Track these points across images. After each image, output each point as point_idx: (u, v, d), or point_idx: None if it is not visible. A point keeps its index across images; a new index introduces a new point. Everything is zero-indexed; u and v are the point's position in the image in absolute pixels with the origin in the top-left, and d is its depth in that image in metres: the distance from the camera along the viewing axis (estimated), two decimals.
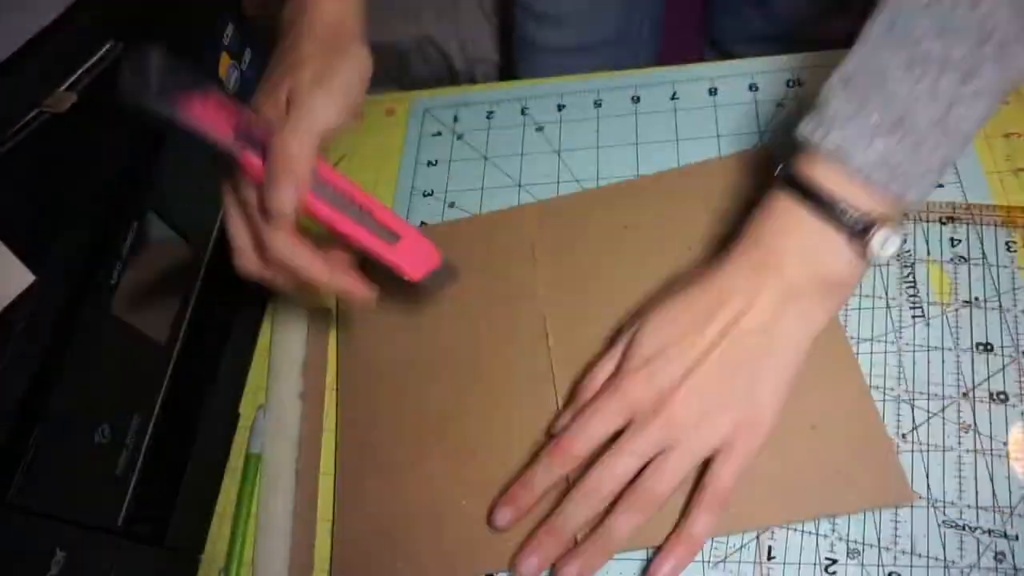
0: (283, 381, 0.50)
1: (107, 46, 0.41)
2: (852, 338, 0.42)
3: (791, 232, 0.36)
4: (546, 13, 0.70)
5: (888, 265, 0.44)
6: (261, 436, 0.48)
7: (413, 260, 0.40)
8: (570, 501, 0.37)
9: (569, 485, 0.38)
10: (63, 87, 0.39)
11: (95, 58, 0.41)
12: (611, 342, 0.41)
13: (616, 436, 0.37)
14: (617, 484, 0.36)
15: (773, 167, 0.37)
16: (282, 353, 0.51)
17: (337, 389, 0.49)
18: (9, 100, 0.38)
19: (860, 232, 0.34)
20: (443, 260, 0.41)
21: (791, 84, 0.53)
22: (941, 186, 0.46)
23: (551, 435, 0.41)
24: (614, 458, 0.36)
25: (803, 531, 0.38)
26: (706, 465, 0.37)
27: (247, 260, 0.39)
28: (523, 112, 0.58)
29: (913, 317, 0.42)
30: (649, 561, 0.37)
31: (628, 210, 0.49)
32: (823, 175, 0.35)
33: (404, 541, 0.42)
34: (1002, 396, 0.39)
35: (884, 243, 0.34)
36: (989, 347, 0.40)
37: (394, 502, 0.43)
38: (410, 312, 0.49)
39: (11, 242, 0.34)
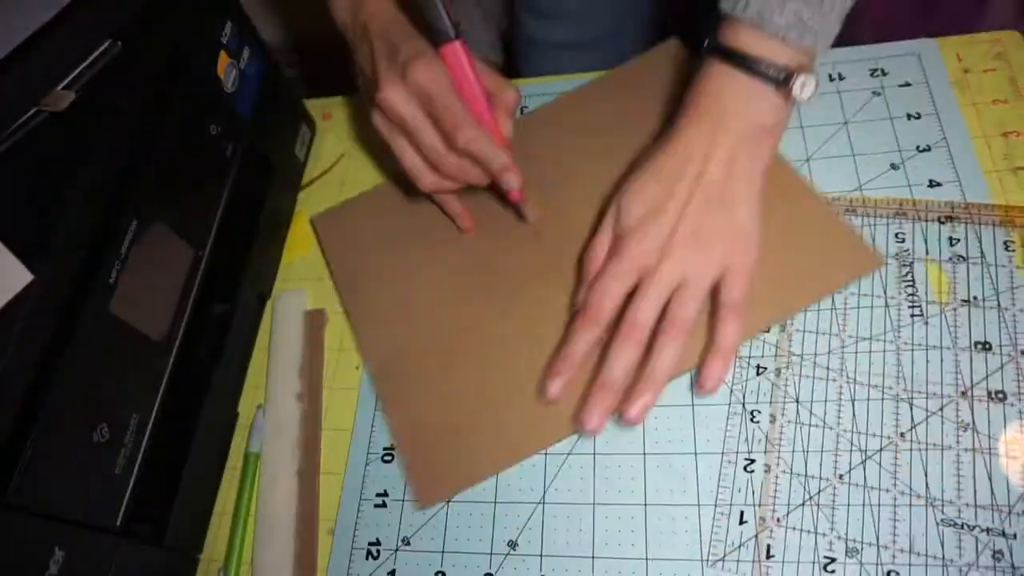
0: (281, 381, 0.50)
1: (106, 44, 0.41)
2: (851, 337, 0.43)
3: (726, 93, 0.42)
4: (546, 10, 0.70)
5: (887, 265, 0.44)
6: (260, 435, 0.48)
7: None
8: (612, 353, 0.41)
9: (604, 349, 0.42)
10: (62, 85, 0.39)
11: (93, 56, 0.40)
12: (599, 223, 0.45)
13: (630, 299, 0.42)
14: (647, 327, 0.41)
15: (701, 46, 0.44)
16: (280, 353, 0.52)
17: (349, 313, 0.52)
18: (8, 99, 0.38)
19: (783, 81, 0.40)
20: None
21: None
22: (939, 184, 0.46)
23: (574, 311, 0.44)
24: (639, 303, 0.41)
25: (802, 530, 0.38)
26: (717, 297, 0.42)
27: (427, 178, 0.47)
28: (523, 112, 0.58)
29: (912, 316, 0.42)
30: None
31: (590, 113, 0.55)
32: (746, 40, 0.41)
33: (463, 431, 0.45)
34: (1000, 395, 0.39)
35: (802, 87, 0.40)
36: (987, 346, 0.41)
37: (439, 402, 0.46)
38: (414, 246, 0.53)
39: (9, 241, 0.34)
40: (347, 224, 0.55)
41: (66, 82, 0.40)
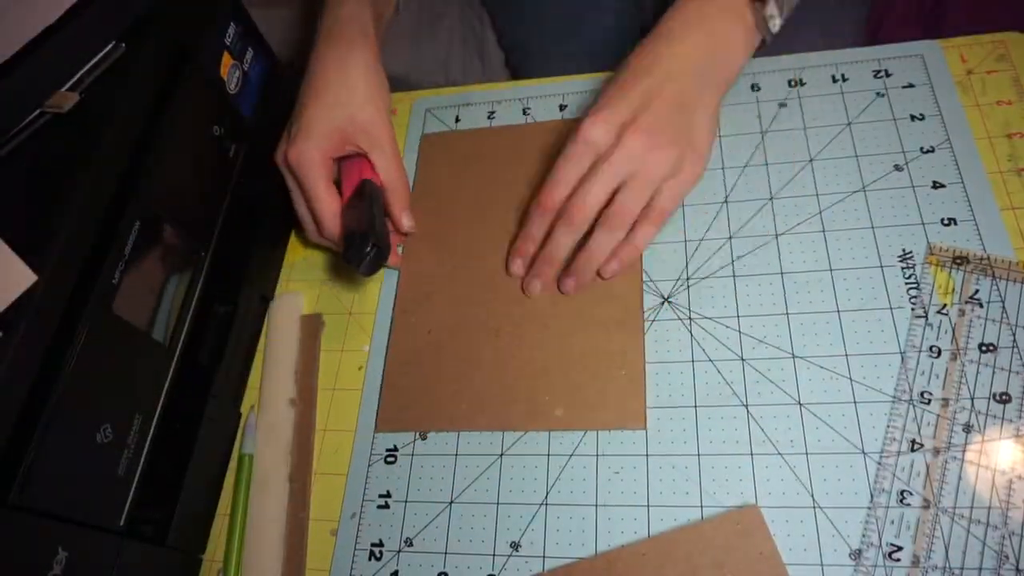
0: (275, 382, 0.50)
1: (109, 46, 0.41)
2: (852, 337, 0.42)
3: (696, 15, 0.46)
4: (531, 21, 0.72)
5: (891, 266, 0.44)
6: (253, 437, 0.49)
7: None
8: (557, 231, 0.46)
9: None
10: (66, 87, 0.39)
11: (97, 58, 0.40)
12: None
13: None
14: (592, 210, 0.44)
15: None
16: (275, 356, 0.52)
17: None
18: (12, 100, 0.38)
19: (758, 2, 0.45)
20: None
21: (792, 84, 0.53)
22: (943, 186, 0.46)
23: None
24: (587, 186, 0.44)
25: (803, 531, 0.38)
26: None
27: (311, 233, 0.52)
28: (524, 112, 0.58)
29: (915, 318, 0.42)
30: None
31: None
32: None
33: (445, 382, 0.48)
34: (1005, 396, 0.39)
35: (773, 10, 0.45)
36: (991, 348, 0.40)
37: (437, 347, 0.49)
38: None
39: (13, 241, 0.34)
40: (451, 149, 0.57)
41: (70, 83, 0.40)
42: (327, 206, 0.48)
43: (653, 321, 0.46)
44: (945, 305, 0.42)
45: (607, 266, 0.47)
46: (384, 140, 0.49)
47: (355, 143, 0.49)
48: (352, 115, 0.48)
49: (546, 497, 0.43)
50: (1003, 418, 0.39)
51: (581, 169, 0.45)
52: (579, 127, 0.44)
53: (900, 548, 0.37)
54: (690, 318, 0.46)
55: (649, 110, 0.43)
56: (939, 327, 0.42)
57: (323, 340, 0.52)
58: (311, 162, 0.47)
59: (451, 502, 0.44)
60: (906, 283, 0.43)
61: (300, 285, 0.55)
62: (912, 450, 0.39)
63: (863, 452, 0.40)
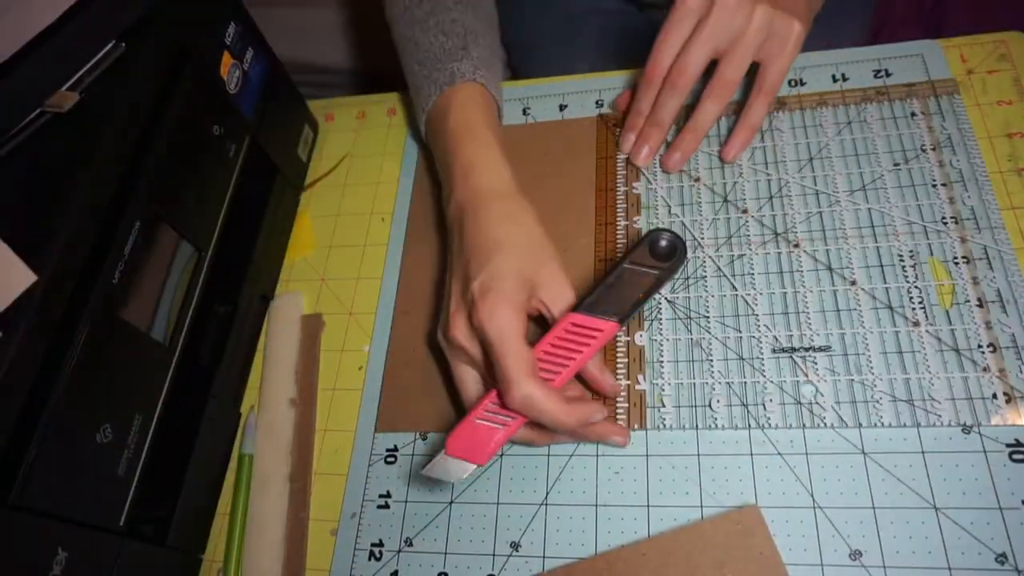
0: (275, 382, 0.50)
1: (109, 46, 0.41)
2: (851, 334, 0.42)
3: None
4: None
5: (890, 265, 0.44)
6: (253, 437, 0.49)
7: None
8: (663, 95, 0.48)
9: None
10: (66, 86, 0.39)
11: (97, 57, 0.40)
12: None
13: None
14: (693, 73, 0.46)
15: None
16: (275, 356, 0.52)
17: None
18: (12, 99, 0.38)
19: None
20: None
21: (792, 84, 0.53)
22: (944, 185, 0.46)
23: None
24: (690, 48, 0.46)
25: (803, 531, 0.38)
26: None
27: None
28: (524, 112, 0.58)
29: (917, 317, 0.42)
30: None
31: None
32: None
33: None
34: (1005, 396, 0.39)
35: None
36: (993, 348, 0.40)
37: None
38: None
39: (13, 241, 0.34)
40: None
41: (70, 83, 0.40)
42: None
43: (653, 321, 0.46)
44: (945, 305, 0.42)
45: (727, 149, 0.49)
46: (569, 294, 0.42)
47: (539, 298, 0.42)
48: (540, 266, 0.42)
49: (546, 497, 0.43)
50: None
51: (683, 35, 0.46)
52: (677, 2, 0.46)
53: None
54: (690, 318, 0.46)
55: None
56: (939, 327, 0.42)
57: (323, 340, 0.52)
58: (507, 327, 0.38)
59: (451, 502, 0.44)
60: (906, 283, 0.43)
61: (300, 285, 0.55)
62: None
63: (863, 452, 0.39)
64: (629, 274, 0.41)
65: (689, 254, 0.48)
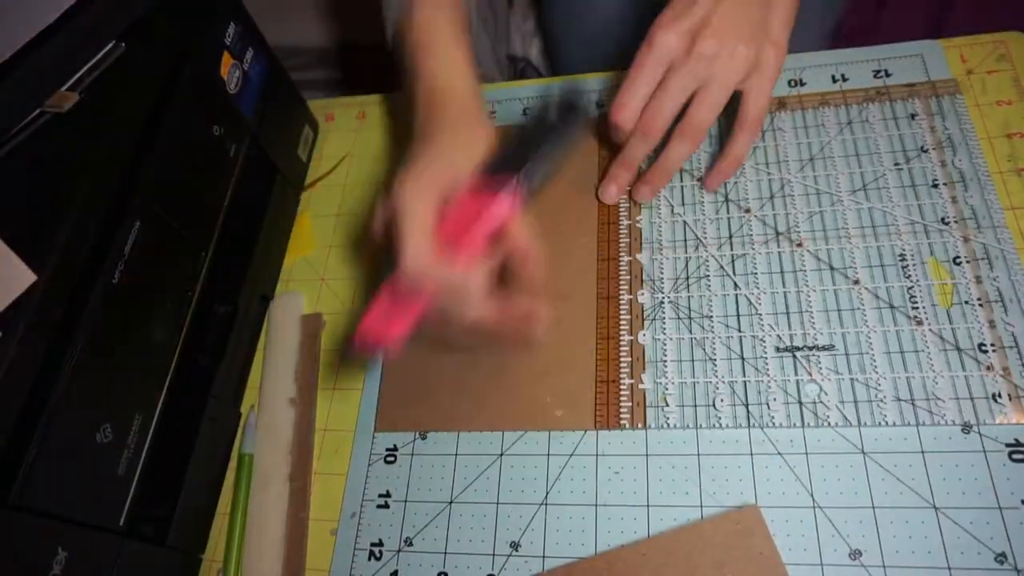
0: (275, 382, 0.50)
1: (109, 46, 0.41)
2: (854, 333, 0.42)
3: None
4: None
5: (890, 265, 0.44)
6: (253, 436, 0.49)
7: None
8: (633, 141, 0.46)
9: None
10: (66, 87, 0.39)
11: (97, 57, 0.40)
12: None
13: None
14: (666, 120, 0.44)
15: None
16: (275, 356, 0.52)
17: None
18: (12, 99, 0.38)
19: None
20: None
21: (792, 84, 0.53)
22: (944, 185, 0.46)
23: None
24: (661, 95, 0.44)
25: (802, 531, 0.38)
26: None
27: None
28: (524, 112, 0.58)
29: (914, 317, 0.42)
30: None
31: None
32: None
33: (445, 381, 0.47)
34: (1008, 396, 0.39)
35: None
36: (993, 348, 0.40)
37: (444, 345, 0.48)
38: None
39: (13, 241, 0.34)
40: None
41: (70, 83, 0.40)
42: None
43: (653, 320, 0.46)
44: (944, 305, 0.42)
45: (709, 180, 0.48)
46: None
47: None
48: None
49: (546, 497, 0.43)
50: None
51: (654, 79, 0.44)
52: (650, 34, 0.43)
53: None
54: (690, 318, 0.46)
55: (720, 10, 0.42)
56: (941, 326, 0.42)
57: (323, 340, 0.52)
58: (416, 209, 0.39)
59: (451, 502, 0.44)
60: (909, 282, 0.43)
61: (300, 285, 0.55)
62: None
63: (863, 452, 0.39)
64: (528, 132, 0.41)
65: (689, 256, 0.48)
